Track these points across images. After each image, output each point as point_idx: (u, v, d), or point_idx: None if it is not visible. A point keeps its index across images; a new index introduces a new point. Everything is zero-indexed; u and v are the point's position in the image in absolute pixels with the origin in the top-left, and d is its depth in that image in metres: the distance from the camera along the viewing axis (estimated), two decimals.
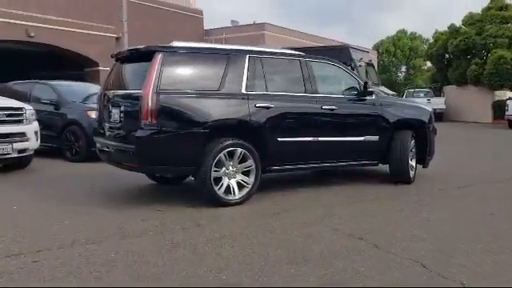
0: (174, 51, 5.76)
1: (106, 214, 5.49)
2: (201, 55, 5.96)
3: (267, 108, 6.12)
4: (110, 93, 6.26)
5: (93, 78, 22.66)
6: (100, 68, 25.34)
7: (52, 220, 5.26)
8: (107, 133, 6.32)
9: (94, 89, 11.97)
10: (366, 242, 4.48)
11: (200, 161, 5.67)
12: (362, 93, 7.04)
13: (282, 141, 6.24)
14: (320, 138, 6.54)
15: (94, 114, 9.61)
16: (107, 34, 26.02)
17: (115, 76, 6.54)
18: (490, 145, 15.33)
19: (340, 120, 6.82)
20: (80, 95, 11.04)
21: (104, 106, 6.51)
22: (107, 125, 6.33)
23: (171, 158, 5.63)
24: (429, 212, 5.71)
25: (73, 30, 24.01)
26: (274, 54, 6.52)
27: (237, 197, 5.90)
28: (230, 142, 5.83)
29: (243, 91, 6.03)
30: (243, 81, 6.06)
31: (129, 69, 6.29)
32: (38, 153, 9.18)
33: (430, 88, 32.51)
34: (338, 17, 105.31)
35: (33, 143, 8.54)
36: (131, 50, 5.98)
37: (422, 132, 7.59)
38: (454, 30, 29.54)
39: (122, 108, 5.90)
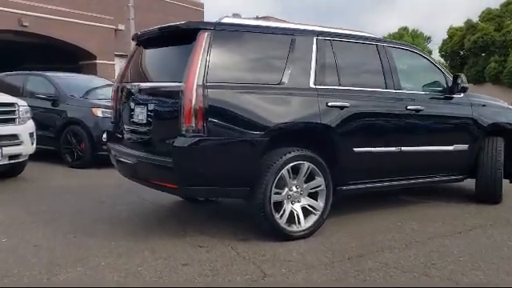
0: (224, 30, 4.22)
1: (130, 254, 3.97)
2: (258, 36, 4.42)
3: (341, 108, 4.61)
4: (132, 86, 4.72)
5: (89, 71, 20.99)
6: (97, 61, 23.96)
7: (47, 267, 3.73)
8: (128, 138, 4.79)
9: (98, 81, 10.51)
10: None
11: (256, 179, 4.16)
12: (450, 89, 5.54)
13: (358, 152, 4.73)
14: (404, 148, 5.03)
15: (100, 112, 8.21)
16: (106, 25, 24.49)
17: (137, 64, 5.01)
18: None
19: (427, 124, 5.32)
20: (82, 89, 9.49)
21: (122, 104, 4.97)
22: (127, 127, 4.80)
23: (220, 175, 4.10)
24: None
25: (69, 20, 22.41)
26: (347, 36, 4.98)
27: (303, 227, 4.40)
28: (295, 153, 4.32)
29: (311, 85, 4.52)
30: (311, 71, 4.54)
31: (158, 54, 4.75)
32: (33, 155, 7.58)
33: None
34: (335, 14, 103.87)
35: (27, 147, 6.96)
36: (163, 28, 4.44)
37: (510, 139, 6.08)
38: (470, 26, 28.16)
39: (151, 107, 4.37)
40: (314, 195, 4.51)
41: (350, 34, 5.03)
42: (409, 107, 5.09)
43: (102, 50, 24.02)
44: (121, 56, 25.63)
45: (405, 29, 64.26)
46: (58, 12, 21.89)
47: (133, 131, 4.72)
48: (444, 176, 5.59)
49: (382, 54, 5.08)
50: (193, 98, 3.91)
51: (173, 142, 3.98)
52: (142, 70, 4.89)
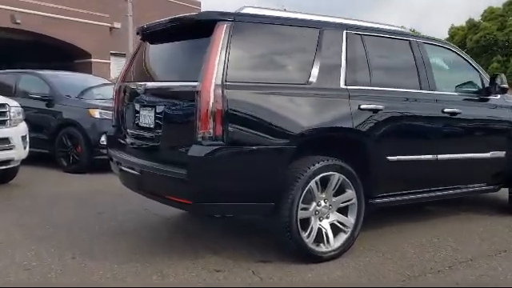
0: (245, 21, 3.69)
1: (137, 280, 3.43)
2: (283, 29, 3.88)
3: (375, 111, 4.08)
4: (137, 86, 4.18)
5: (84, 70, 20.43)
6: (92, 60, 23.48)
7: None
8: (132, 144, 4.26)
9: (95, 81, 9.97)
10: None
11: (282, 193, 3.63)
12: (487, 90, 5.02)
13: (392, 160, 4.21)
14: (440, 156, 4.51)
15: (97, 113, 7.66)
16: (101, 23, 24.00)
17: (142, 62, 4.48)
18: None
19: (464, 129, 4.80)
20: (78, 88, 8.89)
21: (125, 105, 4.43)
22: (131, 132, 4.26)
23: (241, 189, 3.57)
24: None
25: (63, 17, 21.89)
26: (378, 30, 4.45)
27: (332, 247, 3.88)
28: (325, 162, 3.79)
29: (342, 85, 3.99)
30: (341, 69, 4.02)
31: (168, 50, 4.21)
32: (25, 159, 7.00)
33: None
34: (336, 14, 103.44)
35: (19, 152, 6.39)
36: (174, 20, 3.89)
37: None
38: (472, 25, 27.75)
39: (160, 109, 3.84)
40: (343, 210, 3.99)
41: (382, 28, 4.50)
42: (445, 110, 4.57)
43: (97, 49, 23.51)
44: (116, 55, 25.14)
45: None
46: (52, 9, 21.31)
47: (138, 137, 4.18)
48: (480, 186, 5.06)
49: (415, 51, 4.55)
50: (210, 99, 3.38)
51: (187, 151, 3.44)
52: (148, 67, 4.36)
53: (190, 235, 4.53)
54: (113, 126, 4.77)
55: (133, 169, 3.96)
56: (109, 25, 24.34)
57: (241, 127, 3.47)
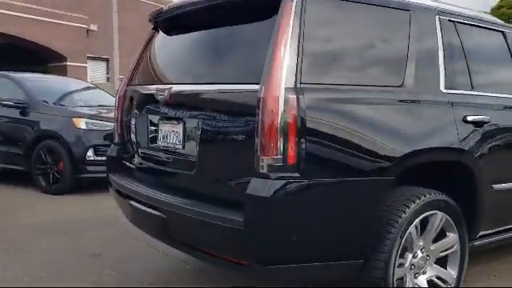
0: None
1: None
2: (371, 10, 2.74)
3: (480, 124, 3.02)
4: (155, 91, 3.00)
5: (59, 74, 19.00)
6: (68, 63, 22.09)
7: None
8: (146, 170, 3.11)
9: (77, 84, 8.73)
10: None
11: (373, 245, 2.52)
12: None
13: (498, 189, 3.14)
14: None
15: (83, 123, 6.43)
16: (77, 25, 22.57)
17: (160, 58, 3.33)
18: None
19: None
20: (59, 94, 7.64)
21: (134, 116, 3.29)
22: (145, 154, 3.12)
23: (323, 243, 2.44)
24: None
25: (35, 17, 20.40)
26: (472, 18, 3.36)
27: None
28: (427, 198, 2.70)
29: (442, 89, 2.91)
30: (440, 68, 2.93)
31: (204, 40, 2.99)
32: None
33: None
34: None
35: None
36: None
37: None
38: None
39: (193, 124, 2.69)
40: (443, 260, 2.91)
41: (474, 16, 3.42)
42: None
43: (72, 51, 22.13)
44: (94, 58, 23.73)
45: None
46: (23, 8, 19.83)
47: (156, 160, 3.02)
48: None
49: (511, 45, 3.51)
50: (279, 110, 2.26)
51: (243, 187, 2.30)
52: (170, 66, 3.20)
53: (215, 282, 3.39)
54: (114, 144, 3.60)
55: (153, 207, 2.79)
56: (85, 26, 22.97)
57: (323, 151, 2.35)
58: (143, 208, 2.90)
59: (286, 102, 2.26)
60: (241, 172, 2.39)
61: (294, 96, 2.27)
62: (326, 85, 2.41)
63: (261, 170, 2.28)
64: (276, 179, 2.25)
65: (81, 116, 6.75)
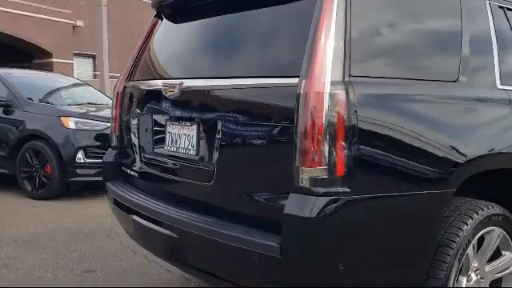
0: None
1: None
2: None
3: None
4: (163, 87, 2.53)
5: (45, 71, 18.44)
6: (53, 60, 21.42)
7: None
8: (152, 180, 2.66)
9: (65, 81, 8.23)
10: None
11: (429, 269, 2.11)
12: None
13: None
14: None
15: (72, 123, 5.94)
16: (63, 20, 21.89)
17: (163, 49, 2.88)
18: None
19: None
20: (44, 91, 7.16)
21: (136, 116, 2.84)
22: (149, 159, 2.70)
23: (374, 271, 2.01)
24: None
25: (19, 12, 19.72)
26: None
27: None
28: (486, 212, 2.29)
29: (498, 84, 2.50)
30: (494, 60, 2.52)
31: (223, 25, 2.52)
32: None
33: None
34: None
35: None
36: None
37: None
38: None
39: (208, 125, 2.25)
40: (496, 284, 2.51)
41: None
42: None
43: (58, 48, 21.48)
44: (80, 55, 23.12)
45: None
46: (6, 3, 19.14)
47: (163, 168, 2.59)
48: None
49: None
50: (324, 108, 1.83)
51: (279, 206, 1.88)
52: (177, 58, 2.73)
53: None
54: (112, 148, 3.14)
55: (162, 225, 2.34)
56: (72, 22, 22.34)
57: (378, 159, 1.93)
58: (149, 225, 2.45)
59: (333, 98, 1.83)
60: (274, 185, 1.97)
61: (343, 91, 1.84)
62: (379, 78, 1.99)
63: (301, 184, 1.84)
64: (321, 195, 1.82)
65: (69, 115, 6.26)
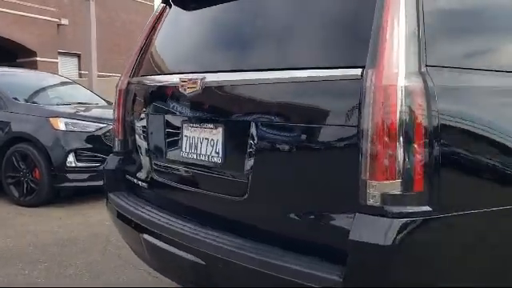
0: None
1: None
2: None
3: None
4: (179, 83, 2.13)
5: None
6: (38, 58, 20.82)
7: None
8: (165, 190, 2.27)
9: (52, 80, 7.79)
10: None
11: None
12: None
13: None
14: None
15: (62, 124, 5.52)
16: (47, 18, 21.40)
17: (176, 40, 2.48)
18: None
19: None
20: (30, 90, 6.72)
21: (145, 117, 2.43)
22: (161, 166, 2.30)
23: None
24: None
25: (4, 10, 19.14)
26: None
27: None
28: None
29: None
30: None
31: (247, 8, 2.12)
32: None
33: None
34: None
35: None
36: None
37: None
38: None
39: (246, 129, 1.84)
40: None
41: None
42: None
43: (43, 46, 20.97)
44: (65, 54, 22.56)
45: None
46: None
47: (180, 178, 2.19)
48: None
49: None
50: (398, 105, 1.45)
51: (340, 229, 1.51)
52: (195, 48, 2.32)
53: None
54: (115, 154, 2.73)
55: (185, 249, 1.93)
56: (56, 20, 21.80)
57: (467, 168, 1.55)
58: (166, 247, 2.05)
59: (409, 92, 1.45)
60: (332, 202, 1.59)
61: (421, 84, 1.46)
62: (459, 69, 1.61)
63: (369, 202, 1.46)
64: (395, 217, 1.43)
65: (59, 115, 5.83)
